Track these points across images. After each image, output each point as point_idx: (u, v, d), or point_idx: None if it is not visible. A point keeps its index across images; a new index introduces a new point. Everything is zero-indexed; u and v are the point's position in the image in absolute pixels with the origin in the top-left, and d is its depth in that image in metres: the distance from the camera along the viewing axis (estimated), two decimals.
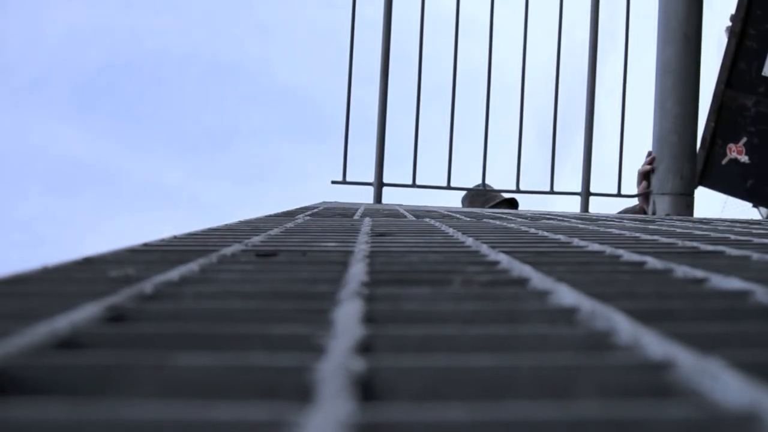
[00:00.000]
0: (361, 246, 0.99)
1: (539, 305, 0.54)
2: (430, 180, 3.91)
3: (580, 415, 0.28)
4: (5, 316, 0.48)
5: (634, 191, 3.79)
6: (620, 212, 3.68)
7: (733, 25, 3.75)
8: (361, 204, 3.22)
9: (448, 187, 3.91)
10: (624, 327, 0.44)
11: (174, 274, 0.69)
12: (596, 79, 3.87)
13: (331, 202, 3.13)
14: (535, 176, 4.15)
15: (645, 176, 3.68)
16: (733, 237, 1.27)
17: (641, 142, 3.84)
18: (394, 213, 2.33)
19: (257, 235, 1.18)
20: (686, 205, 3.59)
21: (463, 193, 4.09)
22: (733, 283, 0.62)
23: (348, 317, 0.47)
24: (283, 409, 0.28)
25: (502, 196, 4.04)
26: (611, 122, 4.08)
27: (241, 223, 1.54)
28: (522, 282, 0.66)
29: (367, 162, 3.82)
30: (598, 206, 3.90)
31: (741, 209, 4.75)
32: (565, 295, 0.56)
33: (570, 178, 4.04)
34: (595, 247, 1.01)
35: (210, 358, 0.36)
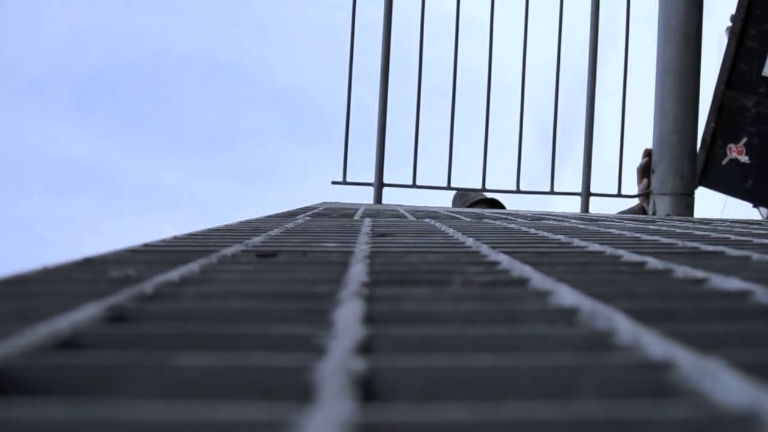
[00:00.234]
0: (362, 246, 0.99)
1: (539, 305, 0.54)
2: (430, 180, 3.91)
3: (581, 415, 0.28)
4: (5, 316, 0.48)
5: (635, 191, 3.79)
6: (620, 213, 3.67)
7: (733, 25, 3.75)
8: (361, 204, 3.22)
9: (449, 188, 3.91)
10: (624, 327, 0.44)
11: (174, 274, 0.69)
12: (596, 80, 3.87)
13: (331, 203, 3.13)
14: (535, 176, 4.15)
15: (644, 172, 3.67)
16: (733, 237, 1.27)
17: (641, 142, 3.83)
18: (394, 213, 2.33)
19: (257, 235, 1.18)
20: (686, 205, 3.59)
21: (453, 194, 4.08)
22: (733, 284, 0.62)
23: (348, 317, 0.47)
24: (283, 410, 0.28)
25: (482, 196, 4.03)
26: (611, 122, 4.08)
27: (241, 223, 1.54)
28: (522, 282, 0.66)
29: (367, 162, 3.82)
30: (598, 206, 3.90)
31: (741, 209, 4.75)
32: (566, 296, 0.56)
33: (570, 178, 4.05)
34: (596, 247, 1.01)
35: (210, 359, 0.36)
